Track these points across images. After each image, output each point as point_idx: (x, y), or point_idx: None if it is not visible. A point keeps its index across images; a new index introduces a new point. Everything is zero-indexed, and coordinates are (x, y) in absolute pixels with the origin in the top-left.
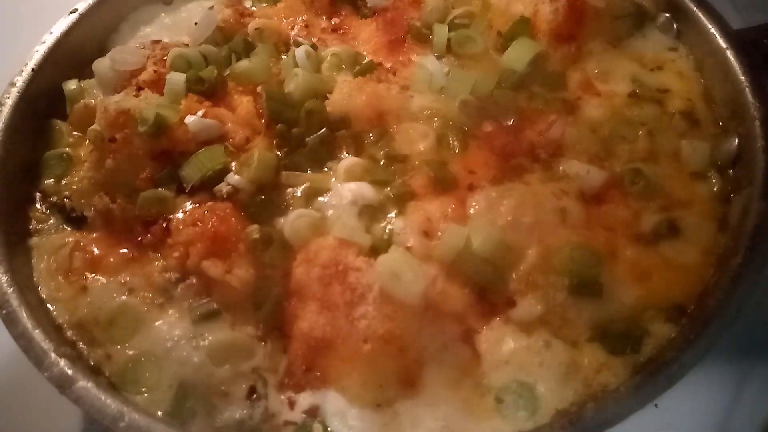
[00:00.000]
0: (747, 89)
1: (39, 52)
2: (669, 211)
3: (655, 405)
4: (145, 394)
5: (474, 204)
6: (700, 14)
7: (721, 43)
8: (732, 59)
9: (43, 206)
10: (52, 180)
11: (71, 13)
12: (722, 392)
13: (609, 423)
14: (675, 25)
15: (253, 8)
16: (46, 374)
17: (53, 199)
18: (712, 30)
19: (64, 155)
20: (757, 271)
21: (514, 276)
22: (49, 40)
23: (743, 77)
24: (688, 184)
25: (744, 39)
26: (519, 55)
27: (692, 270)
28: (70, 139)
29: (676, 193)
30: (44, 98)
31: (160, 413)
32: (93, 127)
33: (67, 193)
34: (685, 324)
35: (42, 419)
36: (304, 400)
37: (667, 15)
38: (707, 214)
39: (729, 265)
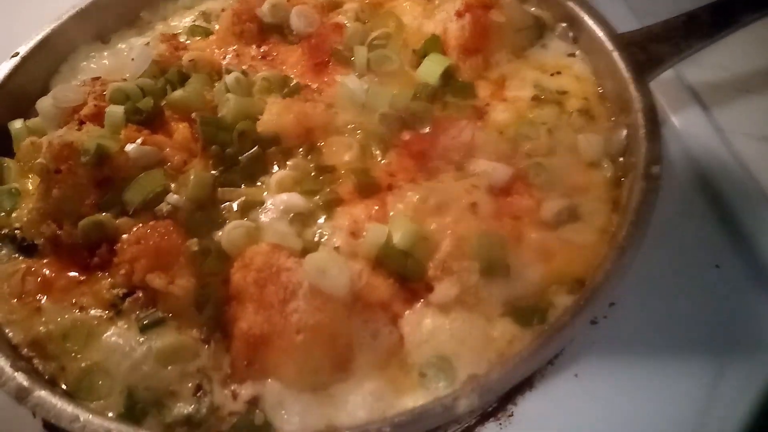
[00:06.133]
0: (631, 85)
1: None
2: (569, 197)
3: (575, 375)
4: (100, 401)
5: (393, 203)
6: (590, 22)
7: (608, 45)
8: (618, 59)
9: None
10: (2, 214)
11: (13, 56)
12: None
13: (511, 381)
14: (571, 33)
15: (187, 42)
16: (3, 388)
17: (4, 231)
18: (601, 35)
19: (13, 190)
20: (640, 241)
21: (431, 264)
22: None
23: (627, 75)
24: (584, 173)
25: (628, 41)
26: (431, 69)
27: (590, 247)
28: (19, 175)
29: (575, 181)
30: None
31: (111, 415)
32: (39, 160)
33: (17, 225)
34: (581, 294)
35: None
36: (246, 391)
37: (564, 24)
38: (602, 198)
39: (617, 239)
